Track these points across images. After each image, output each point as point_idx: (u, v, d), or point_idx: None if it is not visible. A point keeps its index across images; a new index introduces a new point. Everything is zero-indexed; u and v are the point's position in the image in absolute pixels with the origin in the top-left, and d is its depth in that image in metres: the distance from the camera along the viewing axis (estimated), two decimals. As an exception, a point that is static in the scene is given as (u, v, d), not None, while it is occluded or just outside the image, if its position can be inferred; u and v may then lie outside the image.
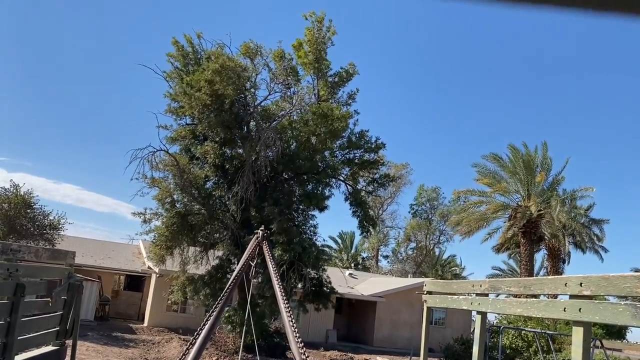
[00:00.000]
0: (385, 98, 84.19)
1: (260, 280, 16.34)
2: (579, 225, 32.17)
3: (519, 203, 31.66)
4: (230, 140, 18.45)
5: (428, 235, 57.11)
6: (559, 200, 29.90)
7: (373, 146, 20.09)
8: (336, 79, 19.97)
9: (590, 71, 79.63)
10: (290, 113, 19.36)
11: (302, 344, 5.33)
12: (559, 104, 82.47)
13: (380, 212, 55.02)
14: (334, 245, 58.17)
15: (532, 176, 30.96)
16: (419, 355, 6.49)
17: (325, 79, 19.72)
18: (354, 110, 19.63)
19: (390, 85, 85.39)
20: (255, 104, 19.16)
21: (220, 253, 19.95)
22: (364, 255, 60.92)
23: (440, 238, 57.41)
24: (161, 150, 17.54)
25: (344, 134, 19.26)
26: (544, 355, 19.93)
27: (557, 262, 34.41)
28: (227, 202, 18.60)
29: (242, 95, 18.73)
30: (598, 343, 16.46)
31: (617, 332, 47.79)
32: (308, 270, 17.76)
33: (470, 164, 35.46)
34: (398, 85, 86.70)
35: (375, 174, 21.22)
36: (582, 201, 33.57)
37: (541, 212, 30.11)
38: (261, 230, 6.97)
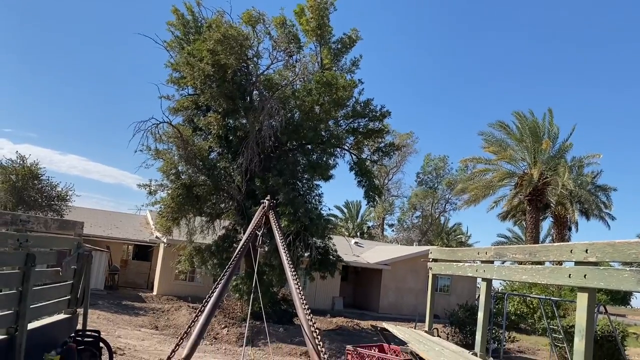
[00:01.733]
0: (391, 67, 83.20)
1: (267, 249, 16.49)
2: (586, 193, 32.08)
3: (525, 171, 31.55)
4: (233, 110, 18.31)
5: (434, 204, 57.23)
6: (566, 167, 29.77)
7: (378, 115, 19.91)
8: (339, 46, 19.68)
9: (596, 36, 78.16)
10: (294, 82, 19.16)
11: (309, 310, 5.40)
12: (566, 70, 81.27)
13: (386, 181, 55.07)
14: (340, 215, 58.52)
15: (538, 143, 30.72)
16: (424, 322, 6.58)
17: (328, 45, 19.44)
18: (359, 80, 19.42)
19: (396, 55, 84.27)
20: (258, 73, 18.96)
21: (226, 223, 20.09)
22: (370, 224, 61.29)
23: (446, 206, 57.59)
24: (164, 122, 17.47)
25: (348, 103, 19.09)
26: (548, 321, 20.13)
27: (562, 229, 34.51)
28: (232, 173, 18.61)
29: (245, 65, 18.52)
30: (602, 309, 16.60)
31: (621, 299, 48.24)
32: (314, 239, 17.89)
33: (477, 133, 35.29)
34: (404, 54, 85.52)
35: (380, 142, 21.08)
36: (589, 168, 33.46)
37: (547, 179, 30.03)
38: (267, 199, 6.99)
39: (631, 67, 77.37)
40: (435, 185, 57.14)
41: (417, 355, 4.83)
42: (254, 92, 18.84)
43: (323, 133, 19.10)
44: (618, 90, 79.91)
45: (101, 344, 5.71)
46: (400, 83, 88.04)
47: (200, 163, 18.04)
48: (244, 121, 18.66)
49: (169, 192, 18.14)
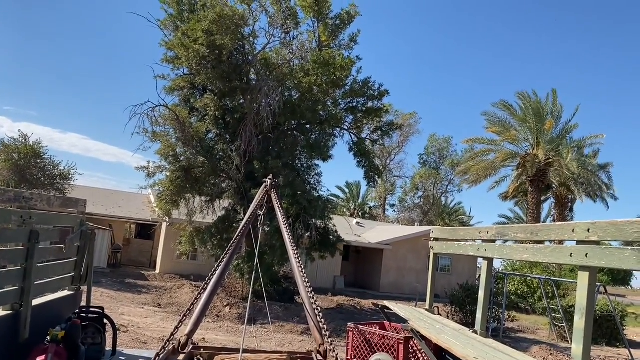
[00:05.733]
0: (395, 46, 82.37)
1: (267, 230, 16.49)
2: (589, 174, 31.98)
3: (528, 151, 31.46)
4: (230, 91, 17.96)
5: (436, 184, 57.19)
6: (569, 149, 29.64)
7: (376, 94, 19.71)
8: (337, 22, 19.38)
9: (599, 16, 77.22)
10: (291, 61, 18.90)
11: (311, 289, 5.43)
12: (571, 50, 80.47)
13: (388, 161, 54.95)
14: (341, 195, 58.53)
15: (541, 124, 30.57)
16: (424, 301, 6.63)
17: (325, 22, 19.14)
18: (357, 56, 19.15)
19: (401, 33, 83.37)
20: (255, 52, 18.65)
21: (226, 204, 20.08)
22: (371, 204, 61.34)
23: (448, 187, 57.56)
24: (160, 105, 17.27)
25: (346, 82, 18.88)
26: (548, 301, 20.26)
27: (564, 210, 34.54)
28: (231, 154, 18.48)
29: (241, 44, 18.18)
30: (602, 289, 16.69)
31: (621, 279, 48.50)
32: (314, 220, 17.89)
33: (480, 113, 35.16)
34: (407, 33, 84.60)
35: (380, 122, 20.93)
36: (591, 149, 33.32)
37: (550, 160, 29.96)
38: (269, 179, 6.95)
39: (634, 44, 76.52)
40: (438, 166, 57.07)
41: (418, 332, 4.87)
42: (251, 72, 18.59)
43: (322, 113, 18.91)
44: (621, 68, 79.20)
45: (105, 321, 5.76)
46: (406, 63, 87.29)
47: (198, 145, 17.84)
48: (242, 101, 18.43)
49: (168, 175, 18.04)
